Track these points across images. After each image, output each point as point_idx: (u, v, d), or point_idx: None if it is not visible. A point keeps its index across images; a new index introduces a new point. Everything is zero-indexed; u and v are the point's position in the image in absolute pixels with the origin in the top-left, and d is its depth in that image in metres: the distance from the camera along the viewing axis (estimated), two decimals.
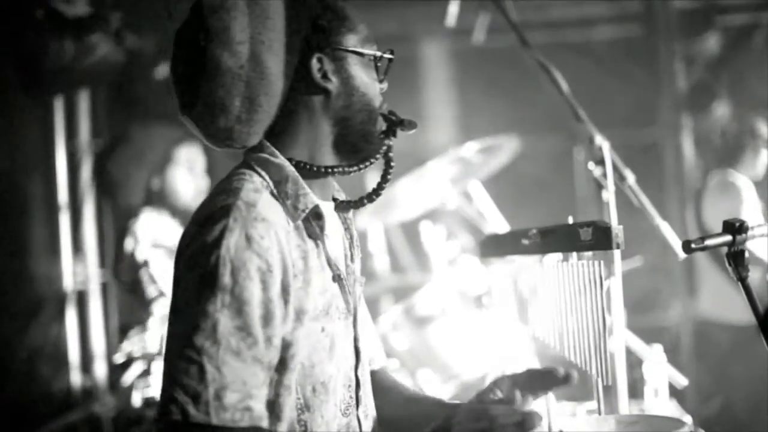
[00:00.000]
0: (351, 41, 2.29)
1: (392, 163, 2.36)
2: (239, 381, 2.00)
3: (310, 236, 2.23)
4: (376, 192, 2.35)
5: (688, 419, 2.96)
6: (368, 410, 2.38)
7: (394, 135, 2.36)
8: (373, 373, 2.54)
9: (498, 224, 4.24)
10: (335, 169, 2.30)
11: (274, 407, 2.10)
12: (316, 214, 2.25)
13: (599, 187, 3.11)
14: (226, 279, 2.03)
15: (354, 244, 2.44)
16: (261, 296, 2.06)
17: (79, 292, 6.18)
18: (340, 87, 2.28)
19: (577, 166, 6.16)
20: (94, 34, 5.11)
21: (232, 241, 2.06)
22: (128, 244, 4.74)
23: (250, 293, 2.05)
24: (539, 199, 6.27)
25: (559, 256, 2.60)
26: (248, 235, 2.07)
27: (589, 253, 2.50)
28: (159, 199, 4.94)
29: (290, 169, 2.25)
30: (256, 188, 2.19)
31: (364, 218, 4.94)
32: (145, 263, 4.61)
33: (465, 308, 4.22)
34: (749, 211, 5.61)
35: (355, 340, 2.34)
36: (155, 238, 4.69)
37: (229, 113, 2.20)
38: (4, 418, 5.24)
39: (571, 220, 2.58)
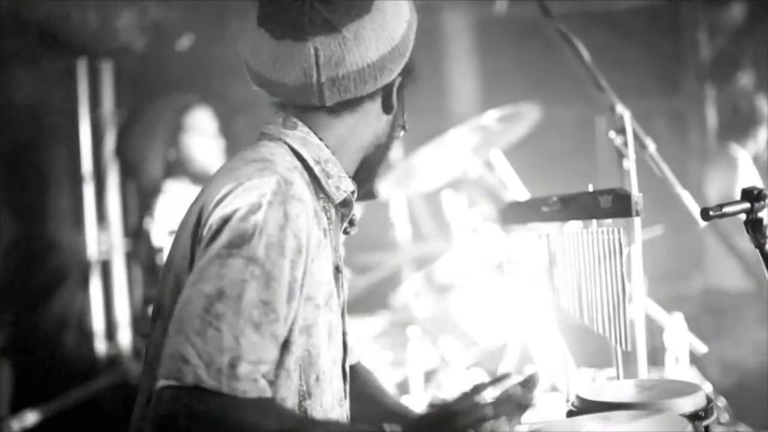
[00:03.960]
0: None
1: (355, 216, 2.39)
2: (254, 354, 1.95)
3: (328, 222, 2.26)
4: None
5: (708, 387, 2.98)
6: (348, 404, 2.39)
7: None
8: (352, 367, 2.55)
9: (519, 193, 4.25)
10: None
11: (270, 389, 2.04)
12: (345, 201, 2.30)
13: (620, 155, 3.12)
14: (260, 251, 2.00)
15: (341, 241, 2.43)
16: (289, 276, 2.04)
17: (103, 261, 6.23)
18: (393, 115, 2.36)
19: (599, 135, 6.16)
20: (118, 6, 5.13)
21: (271, 215, 2.04)
22: (147, 224, 4.77)
23: (281, 270, 2.02)
24: (560, 167, 6.26)
25: (579, 223, 2.61)
26: (286, 212, 2.05)
27: (609, 221, 2.52)
28: (178, 168, 4.97)
29: (328, 151, 2.28)
30: (289, 167, 2.16)
31: (386, 188, 4.95)
32: (161, 251, 4.63)
33: (486, 276, 4.24)
34: (744, 185, 5.64)
35: (344, 334, 2.34)
36: (175, 222, 4.71)
37: (364, 57, 2.20)
38: (31, 385, 5.31)
39: (591, 188, 2.59)
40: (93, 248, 6.15)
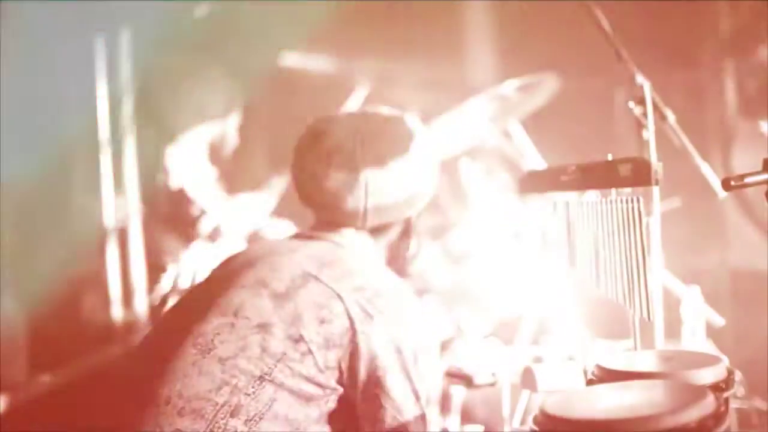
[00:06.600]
0: None
1: None
2: None
3: None
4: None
5: (724, 360, 2.97)
6: None
7: None
8: None
9: (537, 162, 4.24)
10: None
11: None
12: None
13: (639, 126, 3.10)
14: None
15: None
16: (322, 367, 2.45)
17: (120, 228, 6.23)
18: (409, 238, 2.82)
19: (618, 106, 6.12)
20: None
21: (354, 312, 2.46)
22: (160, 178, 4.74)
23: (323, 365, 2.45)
24: (578, 138, 6.24)
25: (598, 192, 2.60)
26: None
27: (628, 190, 2.51)
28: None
29: None
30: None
31: None
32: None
33: (503, 245, 4.24)
34: None
35: None
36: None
37: (406, 189, 2.67)
38: (48, 350, 5.33)
39: (610, 158, 2.58)
40: (110, 215, 6.15)
